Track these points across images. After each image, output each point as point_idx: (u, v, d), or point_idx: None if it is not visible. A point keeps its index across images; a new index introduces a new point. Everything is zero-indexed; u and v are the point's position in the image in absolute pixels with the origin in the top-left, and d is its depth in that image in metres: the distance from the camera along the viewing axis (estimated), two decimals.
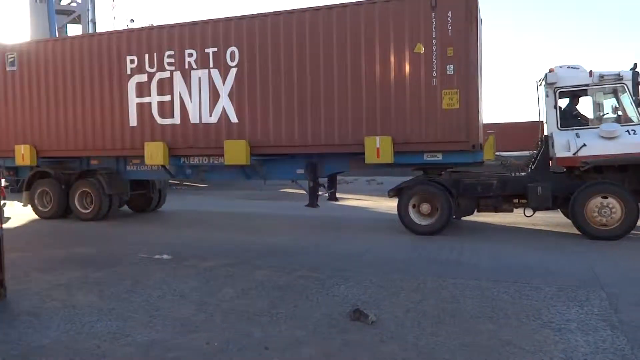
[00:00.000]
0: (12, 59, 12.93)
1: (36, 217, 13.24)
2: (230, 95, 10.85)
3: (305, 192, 11.68)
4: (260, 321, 5.02)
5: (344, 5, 10.10)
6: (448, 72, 9.50)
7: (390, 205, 14.87)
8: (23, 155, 12.70)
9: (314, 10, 10.19)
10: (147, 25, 33.55)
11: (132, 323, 5.00)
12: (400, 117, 9.80)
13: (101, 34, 12.64)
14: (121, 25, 34.91)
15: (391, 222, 11.69)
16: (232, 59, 10.75)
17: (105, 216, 12.75)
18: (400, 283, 6.34)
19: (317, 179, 11.14)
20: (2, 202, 5.81)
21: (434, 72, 9.58)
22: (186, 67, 11.16)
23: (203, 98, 11.09)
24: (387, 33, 9.80)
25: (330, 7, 10.16)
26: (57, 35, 20.71)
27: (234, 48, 10.71)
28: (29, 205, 13.28)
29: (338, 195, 12.72)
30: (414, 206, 10.03)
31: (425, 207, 9.93)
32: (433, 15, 9.51)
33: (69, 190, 12.82)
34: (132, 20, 35.40)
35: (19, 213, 13.91)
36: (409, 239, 9.67)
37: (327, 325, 4.88)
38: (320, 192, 11.51)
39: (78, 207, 12.71)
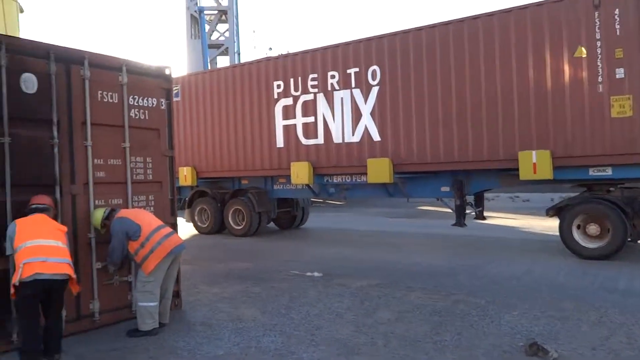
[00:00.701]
0: (176, 91, 14.46)
1: (196, 232, 14.50)
2: (372, 114, 10.87)
3: (450, 211, 11.22)
4: (425, 348, 4.78)
5: (490, 15, 9.58)
6: (617, 76, 8.46)
7: (545, 225, 13.68)
8: (186, 176, 14.06)
9: (457, 22, 9.83)
10: (283, 52, 35.83)
11: (295, 340, 5.10)
12: (560, 129, 8.94)
13: (250, 62, 13.58)
14: (261, 53, 37.66)
15: (548, 243, 10.70)
16: (374, 78, 10.79)
17: (255, 233, 13.50)
18: (576, 314, 5.65)
19: (464, 196, 10.62)
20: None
21: (599, 77, 8.60)
22: (329, 88, 11.47)
23: (345, 118, 11.27)
24: (542, 38, 9.07)
25: (475, 17, 9.72)
26: (209, 67, 22.76)
27: (375, 67, 10.75)
28: (191, 222, 14.60)
29: (485, 214, 11.99)
30: (578, 227, 9.01)
31: (593, 228, 8.85)
32: (596, 14, 8.59)
33: (224, 208, 13.85)
34: (270, 49, 37.99)
35: (183, 229, 15.35)
36: (574, 262, 8.69)
37: (500, 358, 4.48)
38: (467, 211, 10.95)
39: (231, 224, 13.65)
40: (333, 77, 11.39)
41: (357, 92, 11.06)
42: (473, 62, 9.66)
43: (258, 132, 12.77)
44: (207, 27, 25.88)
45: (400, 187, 11.18)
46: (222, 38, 27.92)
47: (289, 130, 12.22)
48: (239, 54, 28.57)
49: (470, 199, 11.12)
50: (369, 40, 10.92)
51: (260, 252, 10.91)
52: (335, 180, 12.02)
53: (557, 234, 9.35)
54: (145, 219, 5.44)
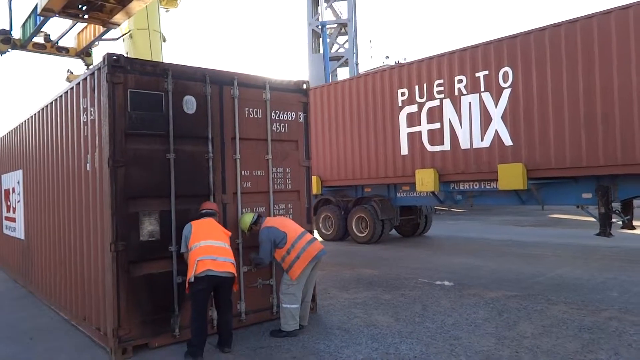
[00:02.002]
0: None
1: (320, 239, 14.99)
2: (503, 118, 10.39)
3: (593, 219, 10.30)
4: None
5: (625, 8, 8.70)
6: None
7: None
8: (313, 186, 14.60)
9: (602, 14, 9.00)
10: (400, 60, 35.60)
11: (434, 349, 5.06)
12: None
13: (374, 72, 13.75)
14: (377, 62, 37.74)
15: None
16: (505, 80, 10.32)
17: (378, 240, 13.60)
18: None
19: (609, 204, 9.68)
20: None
21: None
22: (456, 93, 11.20)
23: (474, 122, 10.91)
24: None
25: (625, 7, 8.80)
26: (330, 80, 23.41)
27: (507, 68, 10.27)
28: (315, 229, 15.14)
29: (635, 222, 10.81)
30: None
31: None
32: None
33: (347, 216, 14.16)
34: (387, 57, 37.92)
35: None
36: None
37: None
38: (613, 219, 9.96)
39: (355, 231, 13.91)
40: (460, 81, 11.10)
41: (486, 96, 10.65)
42: (622, 55, 8.78)
43: (382, 140, 12.87)
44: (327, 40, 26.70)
45: (534, 194, 10.54)
46: (341, 50, 28.59)
47: (413, 138, 12.15)
48: (357, 65, 29.02)
49: (616, 206, 10.10)
50: (500, 40, 10.46)
51: (385, 260, 10.96)
52: (462, 187, 11.68)
53: None
54: (290, 226, 5.79)
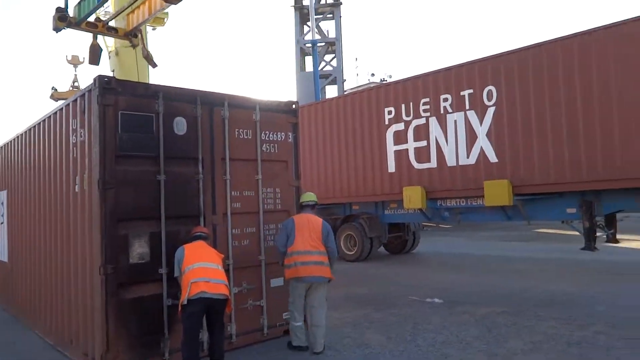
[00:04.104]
0: None
1: None
2: (488, 135, 10.57)
3: (577, 234, 10.45)
4: None
5: (619, 25, 8.97)
6: None
7: None
8: None
9: (583, 34, 9.29)
10: (386, 77, 36.00)
11: None
12: None
13: (361, 91, 13.92)
14: (363, 79, 38.19)
15: None
16: (490, 99, 10.53)
17: (367, 257, 13.59)
18: None
19: (593, 218, 9.85)
20: None
21: None
22: (441, 111, 11.38)
23: (459, 140, 11.07)
24: None
25: (607, 27, 9.09)
26: (320, 97, 23.57)
27: (491, 87, 10.49)
28: None
29: (618, 236, 10.99)
30: None
31: None
32: None
33: (335, 234, 14.12)
34: (372, 74, 38.38)
35: None
36: None
37: None
38: (598, 234, 10.13)
39: (343, 249, 13.88)
40: (446, 100, 11.29)
41: (471, 114, 10.85)
42: (601, 75, 9.03)
43: (369, 158, 12.98)
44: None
45: (520, 210, 10.67)
46: (328, 68, 28.87)
47: (400, 155, 12.27)
48: (342, 82, 29.28)
49: (600, 220, 10.28)
50: (483, 60, 10.70)
51: (375, 277, 10.96)
52: (449, 204, 11.79)
53: None
54: (306, 236, 5.81)
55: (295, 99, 7.07)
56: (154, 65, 8.58)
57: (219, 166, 5.85)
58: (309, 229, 5.81)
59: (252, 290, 6.07)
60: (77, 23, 7.51)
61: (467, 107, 10.89)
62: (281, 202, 6.47)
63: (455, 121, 11.12)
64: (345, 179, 13.64)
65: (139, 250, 5.16)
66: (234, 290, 5.90)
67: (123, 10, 7.58)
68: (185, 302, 4.73)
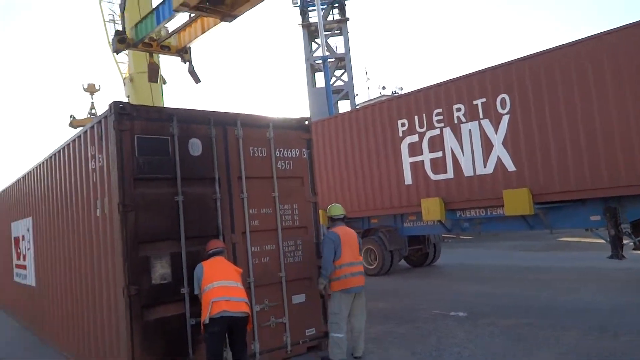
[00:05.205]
0: None
1: None
2: (504, 144, 10.45)
3: (603, 242, 10.19)
4: None
5: (634, 26, 8.86)
6: None
7: None
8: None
9: (590, 39, 9.17)
10: (396, 90, 36.09)
11: None
12: None
13: (373, 104, 13.92)
14: (374, 93, 38.37)
15: None
16: (503, 107, 10.44)
17: (388, 271, 13.47)
18: None
19: (619, 225, 9.60)
20: None
21: None
22: (455, 121, 11.32)
23: (475, 150, 10.97)
24: None
25: (609, 33, 8.99)
26: (334, 112, 23.69)
27: (504, 95, 10.41)
28: None
29: None
30: None
31: None
32: None
33: None
34: (383, 87, 38.57)
35: None
36: None
37: None
38: (624, 241, 9.87)
39: (364, 263, 13.76)
40: (459, 109, 11.22)
41: (486, 123, 10.75)
42: (616, 79, 8.89)
43: (385, 171, 12.93)
44: (323, 75, 27.18)
45: (541, 218, 10.47)
46: (339, 83, 29.12)
47: (416, 167, 12.20)
48: (354, 97, 29.47)
49: (626, 227, 10.02)
50: (494, 69, 10.63)
51: (397, 292, 10.85)
52: (468, 215, 11.65)
53: None
54: (347, 248, 6.06)
55: (308, 115, 7.12)
56: (198, 80, 8.70)
57: (235, 185, 5.90)
58: (349, 241, 6.04)
59: (274, 307, 6.06)
60: (135, 44, 7.87)
61: (481, 116, 10.79)
62: (299, 219, 6.48)
63: (470, 131, 11.02)
64: (362, 192, 13.60)
65: (160, 271, 5.21)
66: (256, 308, 5.90)
67: (178, 30, 7.82)
68: (207, 321, 4.75)
